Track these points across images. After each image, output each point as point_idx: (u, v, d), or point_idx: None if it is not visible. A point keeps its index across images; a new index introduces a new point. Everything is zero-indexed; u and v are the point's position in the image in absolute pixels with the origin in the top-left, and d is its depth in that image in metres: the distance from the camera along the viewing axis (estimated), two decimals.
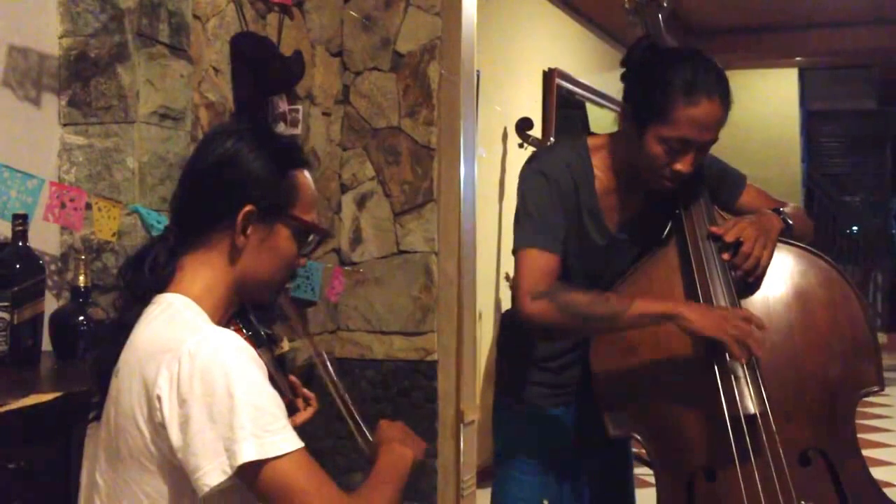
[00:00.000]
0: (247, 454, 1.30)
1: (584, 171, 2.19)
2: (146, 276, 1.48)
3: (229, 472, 1.30)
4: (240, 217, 1.46)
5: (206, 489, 1.30)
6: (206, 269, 1.47)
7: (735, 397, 2.01)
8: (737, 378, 2.01)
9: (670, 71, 2.05)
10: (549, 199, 2.14)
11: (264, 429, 1.31)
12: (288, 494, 1.32)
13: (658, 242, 2.23)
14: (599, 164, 2.20)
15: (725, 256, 2.11)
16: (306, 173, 1.55)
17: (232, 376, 1.32)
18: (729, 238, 2.10)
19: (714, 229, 2.13)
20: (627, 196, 2.22)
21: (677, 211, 2.19)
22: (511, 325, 2.36)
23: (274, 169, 1.49)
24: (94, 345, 1.54)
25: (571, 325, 2.10)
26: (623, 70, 2.19)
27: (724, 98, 2.05)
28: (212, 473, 1.30)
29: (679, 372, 2.08)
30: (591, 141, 2.23)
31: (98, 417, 1.49)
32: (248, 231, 1.47)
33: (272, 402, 1.35)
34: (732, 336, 1.96)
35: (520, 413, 2.35)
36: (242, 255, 1.48)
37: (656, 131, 2.03)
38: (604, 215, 2.20)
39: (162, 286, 1.47)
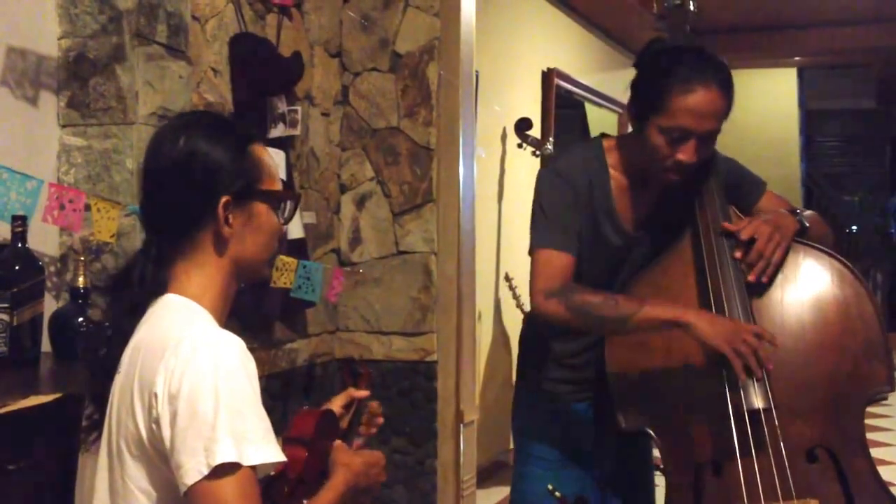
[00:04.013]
0: (224, 455, 1.29)
1: (599, 172, 2.22)
2: (136, 291, 1.48)
3: (205, 471, 1.29)
4: (219, 209, 1.46)
5: (185, 488, 1.30)
6: (198, 268, 1.47)
7: (740, 393, 2.03)
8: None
9: (669, 63, 2.09)
10: (564, 200, 2.18)
11: (243, 435, 1.31)
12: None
13: (672, 241, 2.24)
14: (614, 164, 2.24)
15: (738, 254, 2.12)
16: (260, 144, 1.55)
17: (220, 377, 1.32)
18: (743, 236, 2.12)
19: (727, 226, 2.15)
20: (643, 194, 2.24)
21: (692, 207, 2.21)
22: (534, 322, 2.41)
23: (234, 151, 1.49)
24: (90, 358, 1.54)
25: (581, 324, 2.15)
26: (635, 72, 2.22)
27: (722, 87, 2.07)
28: (191, 472, 1.29)
29: (690, 369, 2.10)
30: (605, 142, 2.28)
31: (100, 435, 1.48)
32: (230, 220, 1.47)
33: (254, 411, 1.34)
34: (737, 352, 1.97)
35: (541, 409, 2.38)
36: (230, 243, 1.48)
37: (656, 123, 2.07)
38: (620, 215, 2.23)
39: (154, 296, 1.47)
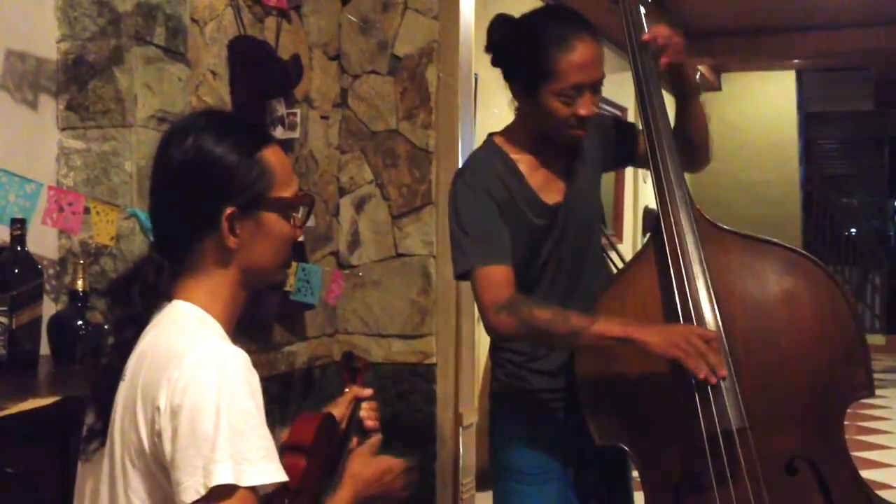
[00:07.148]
0: (222, 477, 1.28)
1: (504, 164, 2.25)
2: (138, 301, 1.44)
3: (202, 492, 1.27)
4: (224, 222, 1.42)
5: None
6: (206, 276, 1.45)
7: (713, 413, 1.98)
8: (716, 391, 1.98)
9: (536, 31, 2.15)
10: (485, 211, 2.17)
11: (243, 456, 1.29)
12: None
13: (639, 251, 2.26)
14: (513, 150, 2.28)
15: (645, 37, 2.23)
16: (274, 147, 1.49)
17: (223, 394, 1.30)
18: (649, 36, 2.24)
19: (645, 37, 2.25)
20: (556, 162, 2.28)
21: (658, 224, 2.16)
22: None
23: (242, 156, 1.43)
24: (93, 367, 1.51)
25: (532, 339, 2.15)
26: (492, 55, 2.26)
27: (592, 34, 2.17)
28: (188, 490, 1.28)
29: (661, 383, 2.05)
30: (496, 137, 2.32)
31: (102, 444, 1.45)
32: (237, 230, 1.43)
33: (256, 430, 1.32)
34: (689, 354, 1.93)
35: (518, 421, 2.33)
36: (237, 253, 1.45)
37: (549, 89, 2.14)
38: (538, 193, 2.25)
39: (159, 303, 1.44)
